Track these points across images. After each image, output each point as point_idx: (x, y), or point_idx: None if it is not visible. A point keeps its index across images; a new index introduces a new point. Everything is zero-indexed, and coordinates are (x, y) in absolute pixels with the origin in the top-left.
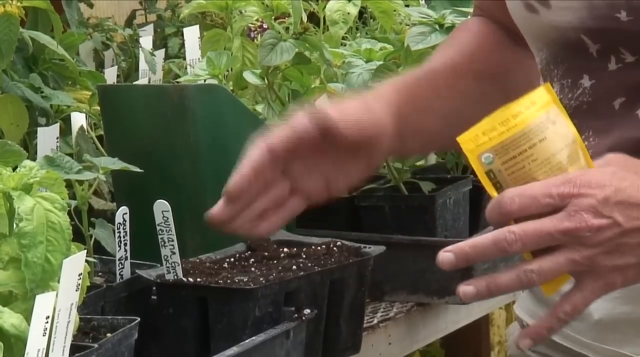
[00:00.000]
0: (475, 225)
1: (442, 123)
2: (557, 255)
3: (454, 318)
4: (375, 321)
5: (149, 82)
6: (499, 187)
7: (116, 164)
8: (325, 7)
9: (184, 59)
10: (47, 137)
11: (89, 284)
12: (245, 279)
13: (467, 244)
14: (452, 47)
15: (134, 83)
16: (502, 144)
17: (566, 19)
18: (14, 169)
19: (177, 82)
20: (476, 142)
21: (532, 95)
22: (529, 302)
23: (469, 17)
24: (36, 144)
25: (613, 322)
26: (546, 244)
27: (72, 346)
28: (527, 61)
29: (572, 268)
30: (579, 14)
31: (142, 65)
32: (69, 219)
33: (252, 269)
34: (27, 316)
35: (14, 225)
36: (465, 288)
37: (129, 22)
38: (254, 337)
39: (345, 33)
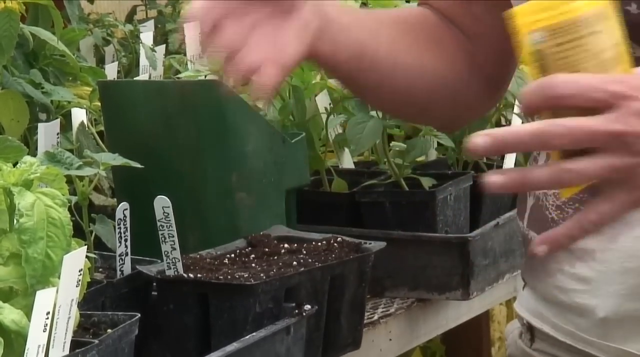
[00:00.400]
0: (476, 221)
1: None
2: (598, 158)
3: (454, 314)
4: (376, 316)
5: (150, 78)
6: (541, 71)
7: (117, 159)
8: None
9: (185, 54)
10: (48, 133)
11: (89, 280)
12: (246, 275)
13: (506, 131)
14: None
15: (135, 79)
16: (559, 26)
17: None
18: (15, 164)
19: (178, 78)
20: (532, 17)
21: None
22: (529, 299)
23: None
24: (37, 140)
25: (618, 319)
26: (590, 144)
27: (72, 341)
28: (466, 47)
29: (609, 174)
30: None
31: (143, 61)
32: (69, 215)
33: (253, 265)
34: (28, 311)
35: (15, 221)
36: (494, 177)
37: (130, 18)
38: (254, 333)
39: None
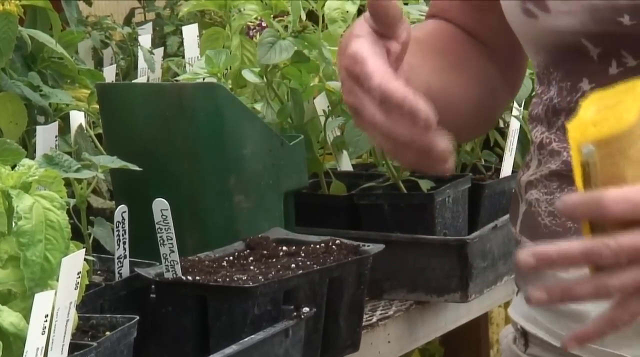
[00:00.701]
0: (475, 223)
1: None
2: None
3: (453, 316)
4: (375, 319)
5: (148, 80)
6: (588, 181)
7: (115, 162)
8: (324, 5)
9: (183, 57)
10: (46, 136)
11: (87, 282)
12: (244, 278)
13: (554, 250)
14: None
15: (133, 81)
16: (608, 139)
17: (566, 24)
18: (13, 167)
19: (176, 80)
20: (583, 131)
21: (634, 92)
22: (523, 305)
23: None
24: (35, 143)
25: None
26: (637, 261)
27: (71, 344)
28: (483, 57)
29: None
30: (579, 18)
31: (141, 64)
32: (67, 218)
33: (251, 267)
34: (26, 314)
35: (13, 223)
36: (536, 294)
37: (128, 21)
38: (253, 336)
39: (344, 31)
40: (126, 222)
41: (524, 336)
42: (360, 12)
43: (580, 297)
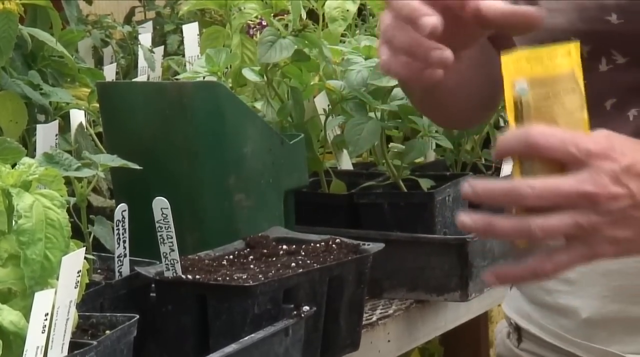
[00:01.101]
0: None
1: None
2: (565, 216)
3: (453, 315)
4: (374, 318)
5: (148, 79)
6: (519, 119)
7: (115, 161)
8: (324, 4)
9: (183, 56)
10: (46, 135)
11: (87, 281)
12: (244, 276)
13: (481, 186)
14: None
15: (133, 80)
16: (542, 79)
17: (556, 21)
18: (13, 166)
19: (176, 79)
20: (518, 66)
21: (567, 47)
22: (516, 300)
23: None
24: (35, 141)
25: (601, 320)
26: (559, 204)
27: (71, 343)
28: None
29: (574, 232)
30: (568, 17)
31: (141, 63)
32: (67, 216)
33: (251, 266)
34: (26, 313)
35: (13, 222)
36: (464, 218)
37: (128, 19)
38: (253, 335)
39: (344, 30)
40: (126, 220)
41: (517, 331)
42: (360, 11)
43: (501, 232)
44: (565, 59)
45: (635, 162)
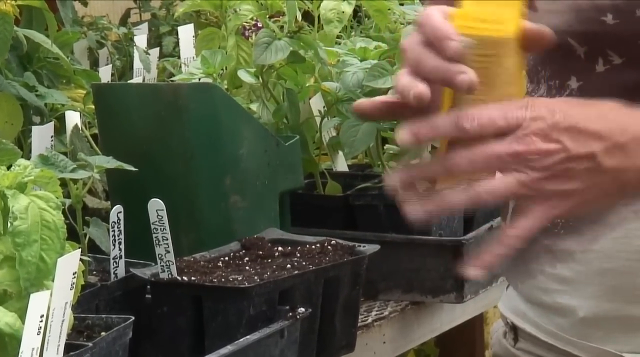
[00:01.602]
0: (470, 224)
1: None
2: (506, 177)
3: (448, 317)
4: (370, 319)
5: (144, 80)
6: None
7: (111, 162)
8: (319, 5)
9: (179, 57)
10: (42, 136)
11: (83, 282)
12: (240, 278)
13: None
14: None
15: (129, 82)
16: (486, 39)
17: (553, 23)
18: (9, 167)
19: (172, 80)
20: (465, 22)
21: (515, 6)
22: (512, 299)
23: None
24: (30, 143)
25: (597, 319)
26: (494, 167)
27: (66, 344)
28: None
29: (519, 190)
30: (565, 18)
31: (137, 64)
32: (63, 218)
33: (247, 267)
34: (22, 314)
35: (9, 224)
36: (402, 133)
37: (124, 21)
38: (248, 336)
39: (339, 32)
40: (122, 222)
41: (514, 330)
42: (355, 12)
43: (450, 201)
44: (511, 23)
45: (564, 117)
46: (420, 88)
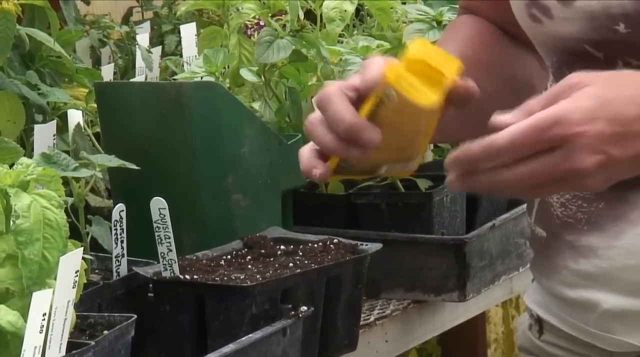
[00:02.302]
0: (472, 222)
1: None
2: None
3: (450, 316)
4: (372, 318)
5: (146, 79)
6: (372, 110)
7: (113, 161)
8: (322, 4)
9: (181, 56)
10: (44, 135)
11: (85, 281)
12: (242, 277)
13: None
14: (456, 41)
15: (131, 80)
16: (409, 101)
17: (568, 30)
18: (11, 166)
19: (174, 79)
20: (399, 77)
21: (446, 80)
22: (537, 293)
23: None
24: (33, 142)
25: (620, 313)
26: (541, 184)
27: (68, 343)
28: (524, 55)
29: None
30: (579, 26)
31: (139, 63)
32: (65, 217)
33: (249, 266)
34: (24, 313)
35: (11, 222)
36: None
37: (126, 20)
38: (250, 335)
39: (342, 30)
40: (124, 221)
41: (539, 323)
42: (358, 11)
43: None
44: (437, 93)
45: (607, 124)
46: (321, 169)
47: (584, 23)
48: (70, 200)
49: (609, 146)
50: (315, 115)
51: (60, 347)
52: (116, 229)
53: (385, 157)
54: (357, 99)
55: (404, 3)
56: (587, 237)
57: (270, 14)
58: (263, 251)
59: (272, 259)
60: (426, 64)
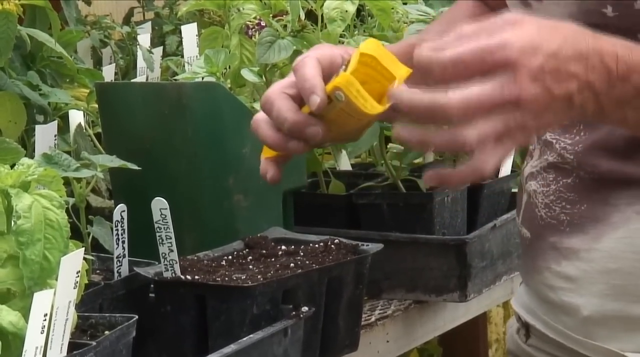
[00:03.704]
0: (473, 223)
1: None
2: (495, 121)
3: (451, 316)
4: (373, 318)
5: (147, 79)
6: (326, 109)
7: (114, 161)
8: (323, 4)
9: (182, 56)
10: (45, 135)
11: (86, 281)
12: (243, 277)
13: (408, 96)
14: (443, 21)
15: (132, 81)
16: (356, 107)
17: (557, 13)
18: (12, 166)
19: (175, 79)
20: (347, 83)
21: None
22: (524, 296)
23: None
24: (34, 142)
25: (601, 318)
26: (485, 115)
27: (70, 343)
28: None
29: (505, 134)
30: (569, 9)
31: (140, 63)
32: (66, 217)
33: (250, 266)
34: (25, 313)
35: (12, 222)
36: (401, 130)
37: (127, 20)
38: (251, 335)
39: (343, 31)
40: (125, 221)
41: (526, 327)
42: (359, 11)
43: (434, 144)
44: (381, 101)
45: (547, 59)
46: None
47: (573, 7)
48: (71, 200)
49: (548, 79)
50: (260, 115)
51: (61, 348)
52: (117, 230)
53: (329, 140)
54: (299, 95)
55: (404, 3)
56: (569, 239)
57: (271, 15)
58: (264, 251)
59: (273, 259)
60: (377, 62)
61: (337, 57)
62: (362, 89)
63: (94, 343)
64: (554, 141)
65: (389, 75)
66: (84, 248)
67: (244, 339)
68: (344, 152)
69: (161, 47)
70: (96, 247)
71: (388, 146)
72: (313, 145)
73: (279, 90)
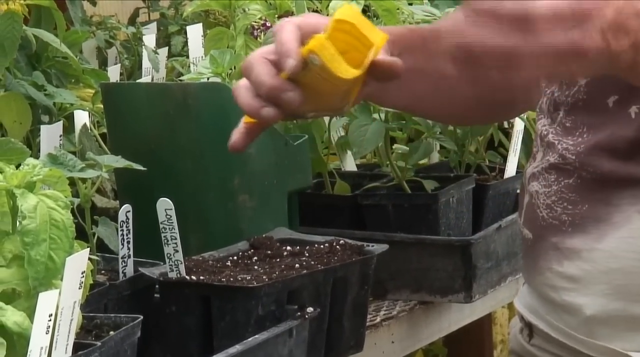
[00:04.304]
0: (479, 223)
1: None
2: None
3: (456, 317)
4: (378, 319)
5: (152, 80)
6: (302, 78)
7: (119, 162)
8: (328, 5)
9: (187, 57)
10: (50, 135)
11: (91, 282)
12: (248, 278)
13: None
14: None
15: (137, 81)
16: (331, 71)
17: None
18: (17, 166)
19: (180, 80)
20: (322, 47)
21: (369, 55)
22: (527, 296)
23: None
24: (39, 142)
25: (603, 318)
26: None
27: (75, 344)
28: None
29: None
30: None
31: (145, 63)
32: (72, 217)
33: (255, 267)
34: (30, 313)
35: (17, 223)
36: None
37: (132, 20)
38: (257, 336)
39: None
40: (130, 221)
41: (529, 327)
42: (364, 12)
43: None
44: (356, 67)
45: None
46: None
47: None
48: (76, 201)
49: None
50: (241, 82)
51: (66, 348)
52: (122, 230)
53: (309, 109)
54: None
55: (410, 4)
56: (571, 240)
57: (276, 15)
58: (269, 251)
59: (278, 259)
60: (354, 27)
61: (322, 27)
62: (337, 54)
63: (98, 343)
64: (556, 142)
65: (367, 42)
66: (89, 248)
67: (249, 339)
68: (349, 152)
69: (166, 48)
70: (101, 247)
71: (393, 147)
72: (290, 114)
73: (259, 56)
